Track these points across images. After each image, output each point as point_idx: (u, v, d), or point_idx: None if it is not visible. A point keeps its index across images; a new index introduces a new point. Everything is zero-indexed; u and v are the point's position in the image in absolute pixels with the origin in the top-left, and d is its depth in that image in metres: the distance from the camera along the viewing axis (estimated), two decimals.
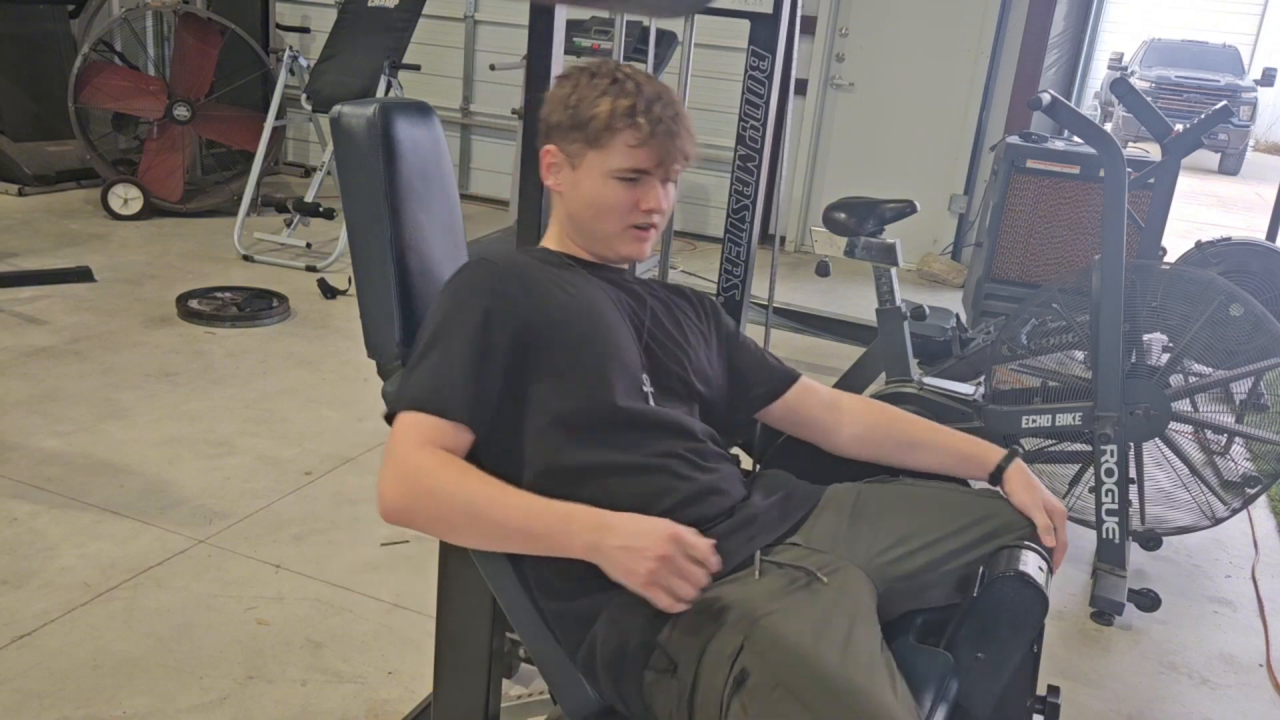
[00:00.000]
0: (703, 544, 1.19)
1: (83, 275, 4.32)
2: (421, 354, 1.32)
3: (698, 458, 1.41)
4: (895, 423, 1.60)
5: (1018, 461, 1.50)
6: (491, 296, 1.34)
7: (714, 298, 1.71)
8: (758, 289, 2.39)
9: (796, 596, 1.25)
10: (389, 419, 1.31)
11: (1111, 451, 2.65)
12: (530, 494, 1.25)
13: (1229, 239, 4.05)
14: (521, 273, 1.39)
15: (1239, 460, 3.22)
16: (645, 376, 1.43)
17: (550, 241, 1.53)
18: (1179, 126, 3.30)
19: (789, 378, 1.62)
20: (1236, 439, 3.25)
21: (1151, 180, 3.41)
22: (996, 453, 1.52)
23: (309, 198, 5.20)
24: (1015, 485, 1.47)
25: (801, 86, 6.05)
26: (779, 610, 1.21)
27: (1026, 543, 1.39)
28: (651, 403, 1.41)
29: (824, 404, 1.62)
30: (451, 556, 1.60)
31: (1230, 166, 13.44)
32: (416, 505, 1.25)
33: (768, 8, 1.95)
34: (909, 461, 1.57)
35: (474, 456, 1.30)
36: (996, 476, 1.51)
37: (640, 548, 1.17)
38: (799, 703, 1.11)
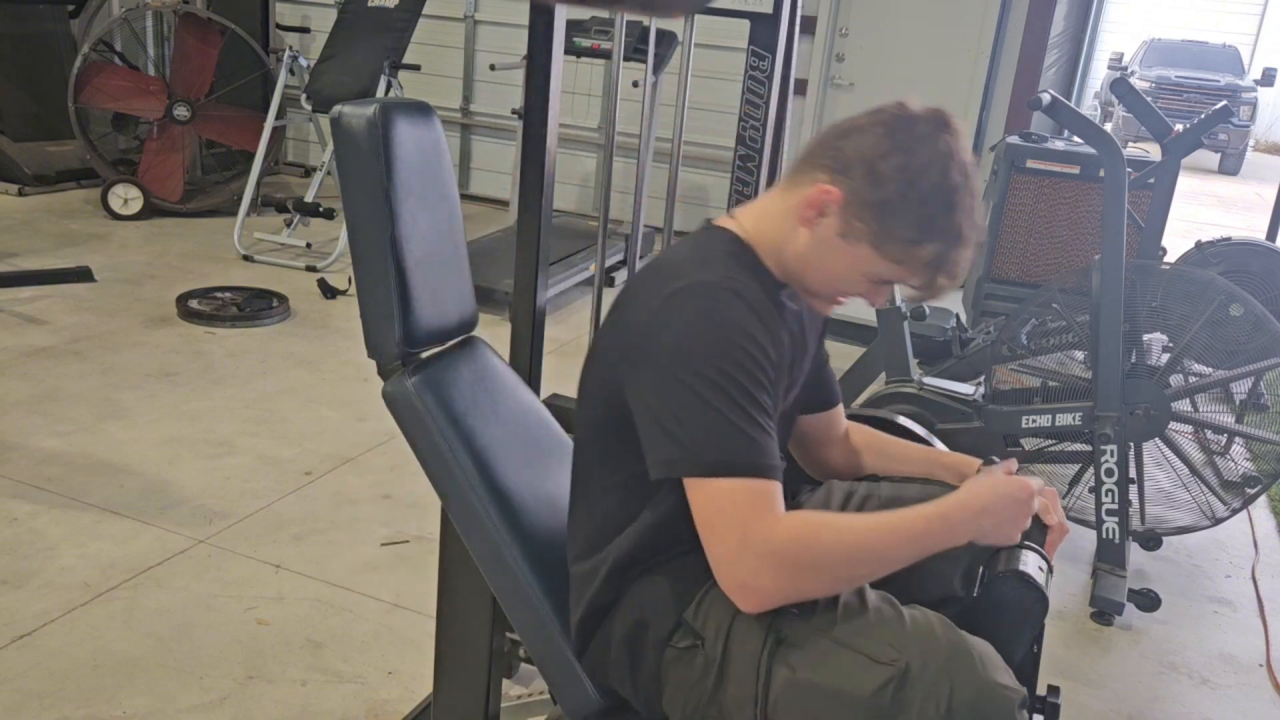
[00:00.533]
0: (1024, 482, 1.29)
1: (83, 275, 4.32)
2: (698, 406, 1.15)
3: None
4: (879, 439, 1.60)
5: (1001, 463, 1.47)
6: (762, 344, 1.20)
7: None
8: None
9: None
10: (669, 472, 1.19)
11: (1111, 451, 2.65)
12: (883, 514, 1.22)
13: (1229, 239, 4.06)
14: (764, 306, 1.25)
15: (1239, 460, 3.22)
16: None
17: (762, 249, 1.32)
18: (1179, 126, 3.30)
19: (833, 399, 1.57)
20: (1236, 439, 3.25)
21: (1151, 180, 3.42)
22: (975, 462, 1.52)
23: (309, 198, 5.20)
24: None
25: (801, 86, 6.04)
26: None
27: (1026, 543, 1.39)
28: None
29: (835, 429, 1.59)
30: (451, 556, 1.61)
31: (1230, 166, 13.44)
32: (802, 585, 1.16)
33: (768, 8, 1.95)
34: (891, 471, 1.58)
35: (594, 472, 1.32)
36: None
37: (1012, 516, 1.26)
38: (847, 649, 1.16)
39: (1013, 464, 1.40)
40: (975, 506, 1.24)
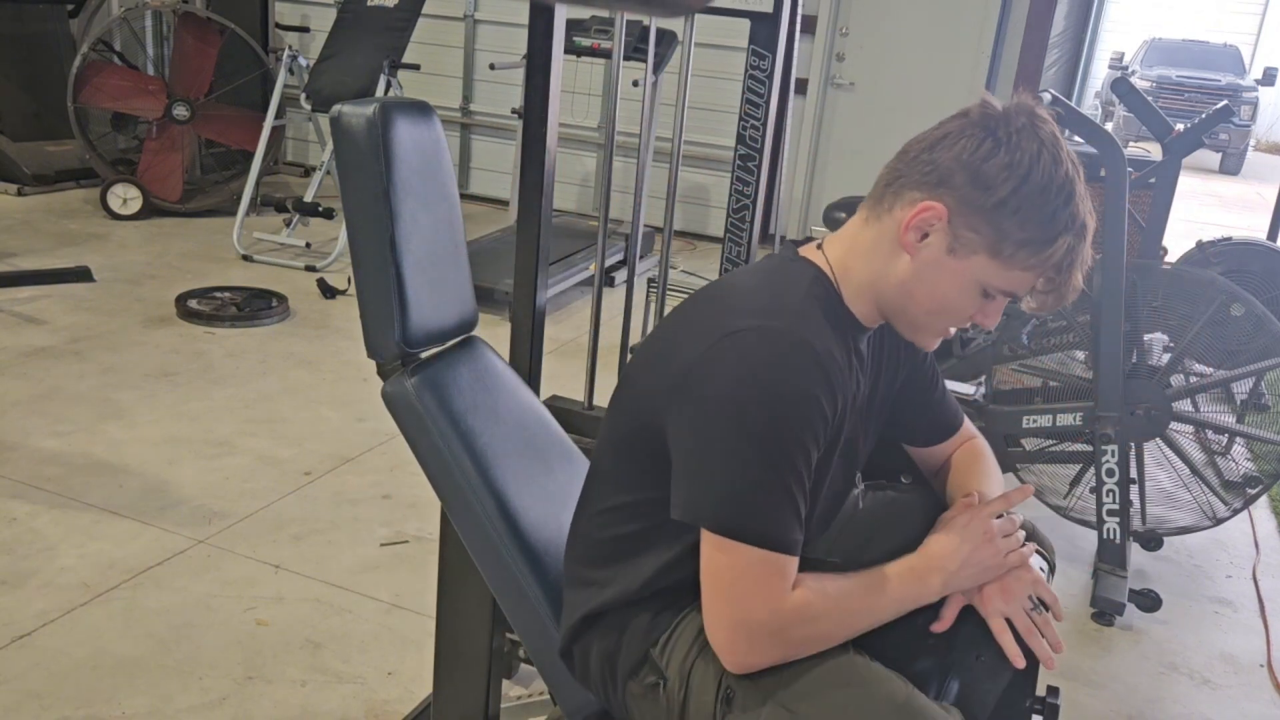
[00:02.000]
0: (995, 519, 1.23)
1: (82, 275, 4.32)
2: (739, 462, 1.10)
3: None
4: (963, 467, 1.44)
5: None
6: (821, 407, 1.11)
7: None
8: None
9: None
10: (690, 519, 1.15)
11: (1112, 452, 2.64)
12: (864, 573, 1.18)
13: (1230, 239, 4.05)
14: (832, 362, 1.14)
15: (1240, 460, 3.22)
16: (859, 474, 1.32)
17: (850, 288, 1.22)
18: (1180, 126, 3.29)
19: (942, 434, 1.45)
20: (1237, 439, 3.24)
21: (1152, 180, 3.41)
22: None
23: (308, 197, 5.19)
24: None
25: (801, 86, 6.04)
26: None
27: (1027, 543, 1.38)
28: (860, 504, 1.31)
29: (943, 458, 1.47)
30: (451, 557, 1.60)
31: (1231, 166, 13.44)
32: (789, 655, 1.15)
33: (768, 7, 1.95)
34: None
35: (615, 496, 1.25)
36: None
37: (981, 562, 1.21)
38: (790, 714, 1.13)
39: (971, 499, 1.29)
40: (941, 564, 1.20)
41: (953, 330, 1.25)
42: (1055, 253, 1.12)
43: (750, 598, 1.11)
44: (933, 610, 1.24)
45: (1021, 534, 1.24)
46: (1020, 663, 1.20)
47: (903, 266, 1.18)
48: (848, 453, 1.27)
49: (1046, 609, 1.26)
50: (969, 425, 1.49)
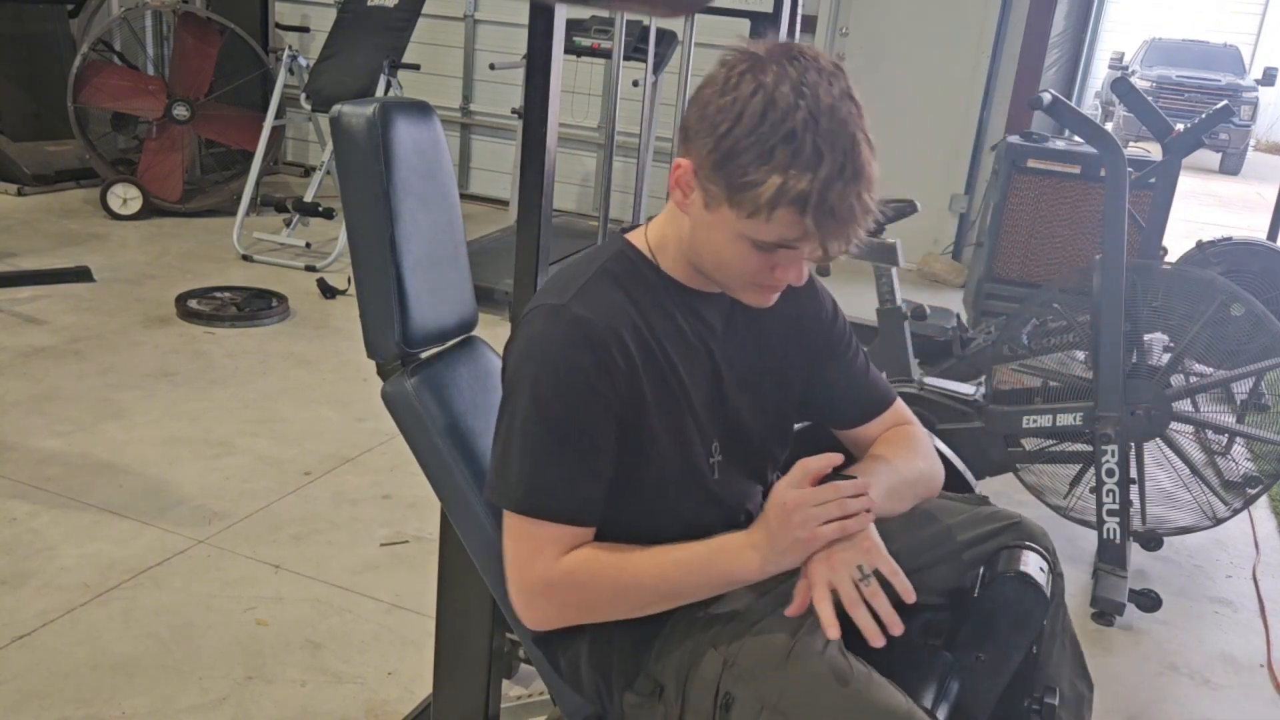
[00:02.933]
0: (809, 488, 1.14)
1: (82, 275, 4.31)
2: (516, 437, 1.16)
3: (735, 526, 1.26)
4: (884, 447, 1.40)
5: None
6: (591, 380, 1.14)
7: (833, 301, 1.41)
8: None
9: (772, 608, 1.21)
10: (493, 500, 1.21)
11: (1112, 452, 2.64)
12: (664, 549, 1.18)
13: (1230, 239, 4.05)
14: (622, 331, 1.17)
15: (1240, 460, 3.22)
16: (716, 444, 1.27)
17: (668, 257, 1.24)
18: (1180, 126, 3.29)
19: (881, 404, 1.41)
20: (1237, 439, 3.24)
21: (1152, 180, 3.41)
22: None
23: (308, 197, 5.19)
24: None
25: None
26: (755, 629, 1.19)
27: (1027, 543, 1.39)
28: (716, 474, 1.27)
29: (876, 435, 1.42)
30: (451, 557, 1.60)
31: (1231, 166, 13.43)
32: (567, 617, 1.22)
33: (768, 7, 1.95)
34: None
35: None
36: None
37: (790, 535, 1.13)
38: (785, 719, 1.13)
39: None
40: (752, 542, 1.16)
41: (773, 292, 1.20)
42: (768, 193, 1.05)
43: (521, 565, 1.18)
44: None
45: (856, 502, 1.14)
46: (835, 633, 1.11)
47: (686, 227, 1.19)
48: (718, 421, 1.26)
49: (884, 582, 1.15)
50: (903, 410, 1.44)
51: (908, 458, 1.35)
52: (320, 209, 4.99)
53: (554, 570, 1.17)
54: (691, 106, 1.13)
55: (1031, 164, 4.03)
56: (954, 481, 1.62)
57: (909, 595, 1.14)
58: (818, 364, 1.38)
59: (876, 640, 1.12)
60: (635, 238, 1.27)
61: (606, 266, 1.23)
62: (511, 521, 1.18)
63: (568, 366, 1.14)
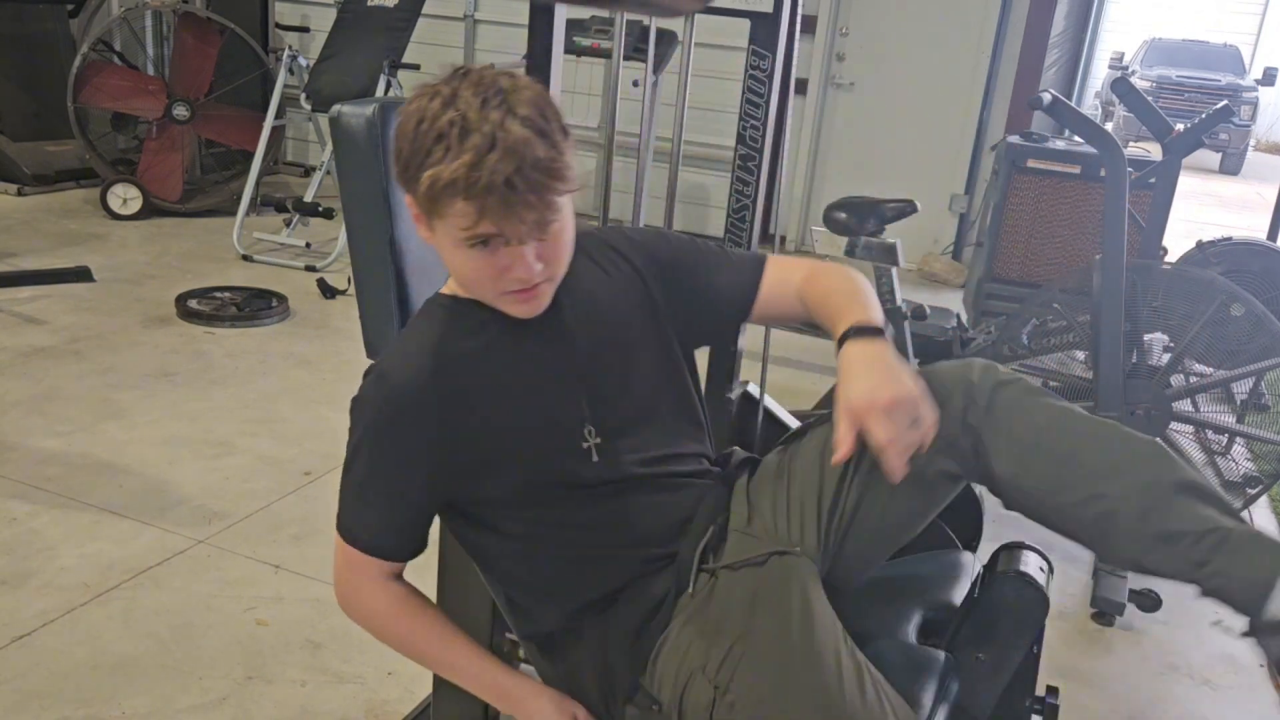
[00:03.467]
0: None
1: (82, 275, 4.31)
2: (346, 470, 1.29)
3: (657, 491, 1.31)
4: (812, 284, 1.40)
5: (861, 341, 1.24)
6: (393, 437, 1.25)
7: (635, 232, 1.44)
8: None
9: (752, 623, 1.20)
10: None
11: None
12: (467, 653, 1.34)
13: (1230, 239, 4.05)
14: (425, 389, 1.23)
15: (1240, 460, 3.22)
16: (590, 428, 1.27)
17: (459, 287, 1.29)
18: (1180, 126, 3.29)
19: (755, 268, 1.42)
20: (1237, 439, 3.24)
21: (1152, 180, 3.41)
22: (850, 320, 1.28)
23: (308, 197, 5.19)
24: (843, 369, 1.23)
25: (801, 86, 6.04)
26: (740, 651, 1.19)
27: (1027, 543, 1.39)
28: (595, 457, 1.27)
29: (788, 292, 1.41)
30: (451, 557, 1.60)
31: (1231, 166, 13.43)
32: (370, 627, 1.39)
33: (768, 7, 1.95)
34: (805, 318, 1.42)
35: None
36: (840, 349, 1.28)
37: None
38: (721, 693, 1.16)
39: None
40: (514, 696, 1.32)
41: (528, 298, 1.22)
42: (436, 178, 1.11)
43: (338, 571, 1.34)
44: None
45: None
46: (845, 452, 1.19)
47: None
48: (578, 408, 1.27)
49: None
50: (780, 259, 1.44)
51: (840, 283, 1.37)
52: (320, 209, 4.99)
53: (357, 590, 1.34)
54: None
55: (1031, 164, 4.03)
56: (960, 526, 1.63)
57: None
58: (681, 290, 1.38)
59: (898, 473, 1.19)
60: (446, 287, 1.32)
61: (415, 321, 1.32)
62: (336, 543, 1.31)
63: (373, 423, 1.26)
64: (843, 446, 1.19)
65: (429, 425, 1.23)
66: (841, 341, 1.26)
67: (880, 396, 1.17)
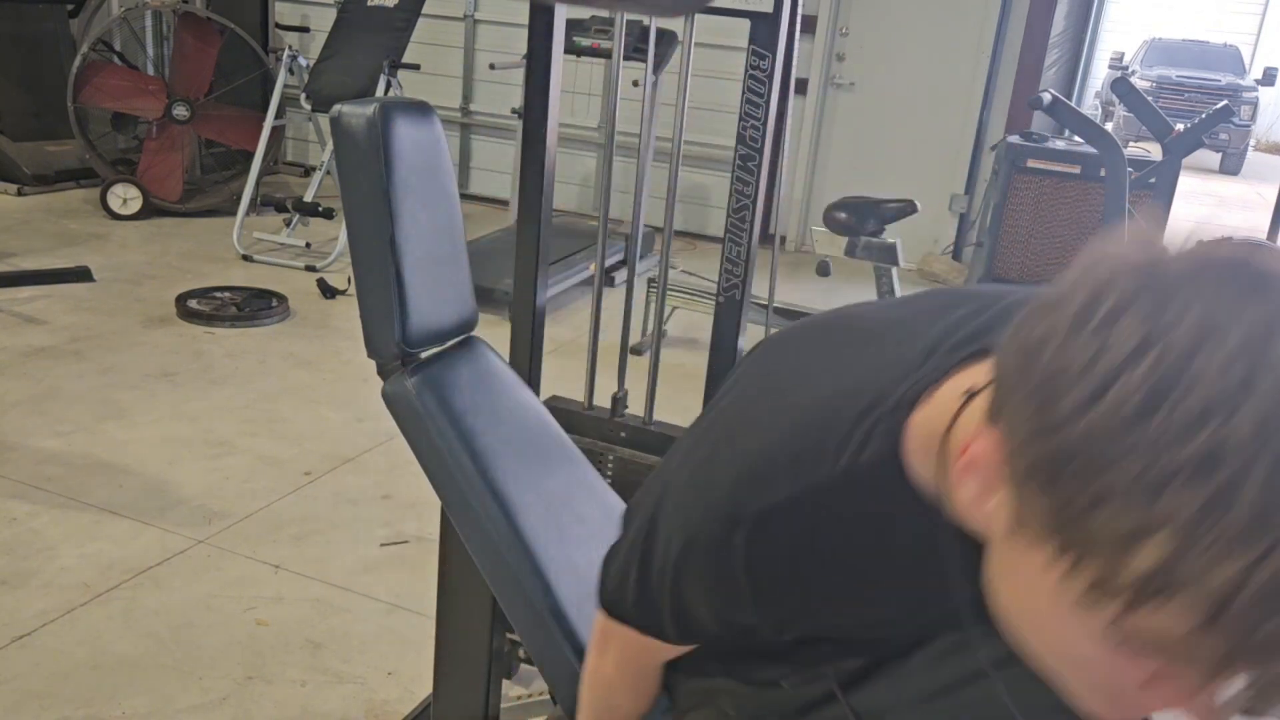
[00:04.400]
0: None
1: (82, 275, 4.32)
2: (636, 569, 0.96)
3: None
4: None
5: None
6: (709, 585, 0.89)
7: None
8: (758, 289, 2.38)
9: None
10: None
11: None
12: None
13: (1230, 239, 4.05)
14: (767, 571, 0.84)
15: None
16: None
17: (917, 456, 0.77)
18: (1180, 126, 3.29)
19: None
20: None
21: (1152, 180, 3.41)
22: None
23: (308, 197, 5.19)
24: None
25: (802, 86, 6.04)
26: None
27: None
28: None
29: None
30: (451, 557, 1.60)
31: (1231, 166, 13.44)
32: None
33: (768, 7, 1.94)
34: None
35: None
36: None
37: None
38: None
39: None
40: None
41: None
42: (1133, 564, 0.53)
43: (592, 656, 1.12)
44: None
45: None
46: None
47: (962, 503, 0.70)
48: None
49: None
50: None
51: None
52: (320, 209, 4.99)
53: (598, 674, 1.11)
54: (1011, 339, 0.64)
55: (1031, 164, 4.03)
56: None
57: None
58: None
59: None
60: (919, 412, 0.77)
61: (859, 464, 0.79)
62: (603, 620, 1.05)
63: (696, 566, 0.89)
64: None
65: (750, 612, 0.95)
66: None
67: None
